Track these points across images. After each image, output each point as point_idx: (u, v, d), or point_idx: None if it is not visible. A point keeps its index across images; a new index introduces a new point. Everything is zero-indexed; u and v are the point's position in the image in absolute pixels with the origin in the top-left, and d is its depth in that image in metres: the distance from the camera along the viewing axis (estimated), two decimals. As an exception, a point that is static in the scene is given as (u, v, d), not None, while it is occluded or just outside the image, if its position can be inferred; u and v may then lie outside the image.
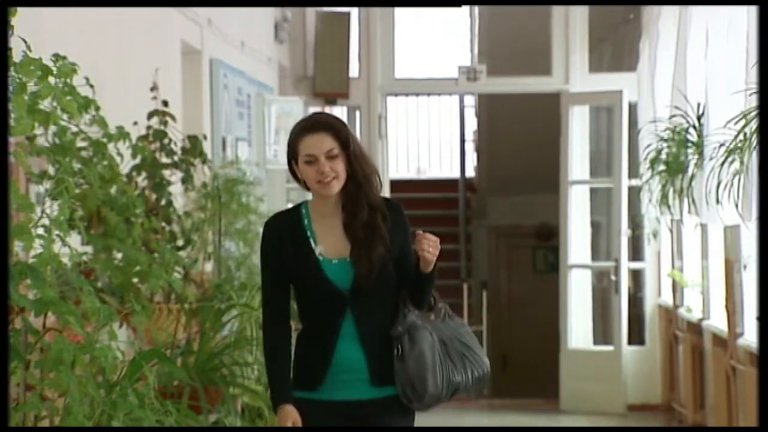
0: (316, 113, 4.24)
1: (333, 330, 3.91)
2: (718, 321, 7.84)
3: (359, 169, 3.93)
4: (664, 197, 7.95)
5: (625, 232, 10.15)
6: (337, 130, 3.91)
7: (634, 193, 9.92)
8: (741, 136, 5.73)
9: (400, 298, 4.02)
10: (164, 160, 5.88)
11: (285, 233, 3.93)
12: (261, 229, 4.13)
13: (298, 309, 4.01)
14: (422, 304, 4.09)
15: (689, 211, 7.68)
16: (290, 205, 4.31)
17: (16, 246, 3.60)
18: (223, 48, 8.25)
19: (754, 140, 5.54)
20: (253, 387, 5.19)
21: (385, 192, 10.79)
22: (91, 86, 4.02)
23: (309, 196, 4.08)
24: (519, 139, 13.66)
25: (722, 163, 6.04)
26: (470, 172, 14.96)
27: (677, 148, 7.95)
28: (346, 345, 3.91)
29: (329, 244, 3.94)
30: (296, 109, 9.50)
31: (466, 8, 14.72)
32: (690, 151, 7.82)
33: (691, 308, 8.83)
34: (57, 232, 3.57)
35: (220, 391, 4.87)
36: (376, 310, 3.95)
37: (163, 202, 5.75)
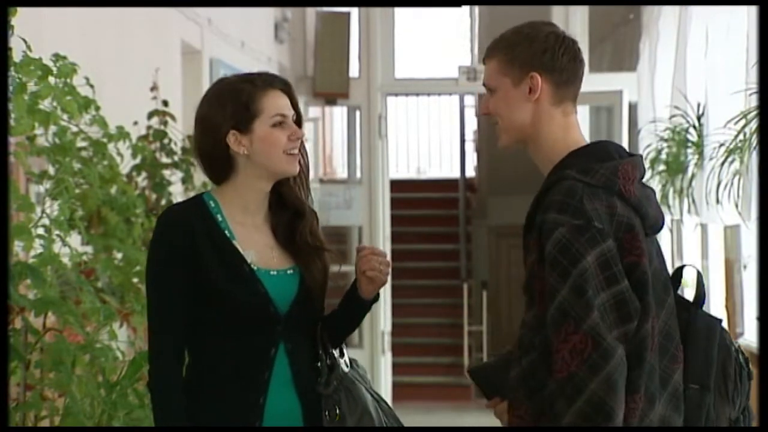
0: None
1: (263, 368, 2.85)
2: (718, 321, 7.82)
3: (304, 156, 3.01)
4: (664, 197, 7.94)
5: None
6: (293, 93, 3.00)
7: (634, 193, 9.90)
8: (741, 136, 5.73)
9: (318, 338, 2.98)
10: (164, 160, 5.88)
11: (199, 232, 2.85)
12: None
13: (195, 343, 2.88)
14: (342, 342, 3.04)
15: (689, 211, 7.68)
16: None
17: (16, 246, 3.60)
18: (223, 48, 8.25)
19: (754, 140, 5.54)
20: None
21: (386, 192, 10.80)
22: (91, 86, 4.02)
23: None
24: (519, 139, 13.63)
25: (722, 163, 6.04)
26: (470, 172, 14.95)
27: (677, 148, 7.95)
28: (278, 390, 2.87)
29: (259, 250, 2.92)
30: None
31: (466, 8, 14.73)
32: (690, 151, 7.81)
33: (691, 308, 8.82)
34: (57, 232, 3.58)
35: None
36: (306, 343, 2.95)
37: (163, 202, 5.75)
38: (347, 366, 2.98)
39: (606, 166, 2.69)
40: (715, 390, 2.74)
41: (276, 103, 2.90)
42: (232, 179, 2.93)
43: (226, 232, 2.88)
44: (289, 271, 2.92)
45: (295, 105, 2.96)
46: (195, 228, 2.84)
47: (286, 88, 2.95)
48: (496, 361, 2.93)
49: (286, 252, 2.95)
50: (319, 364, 2.94)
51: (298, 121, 2.96)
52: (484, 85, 2.83)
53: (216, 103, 2.91)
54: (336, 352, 2.98)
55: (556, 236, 2.61)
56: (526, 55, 2.76)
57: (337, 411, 2.89)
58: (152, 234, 2.90)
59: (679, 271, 2.87)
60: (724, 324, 2.86)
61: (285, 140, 2.89)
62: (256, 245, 2.91)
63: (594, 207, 2.62)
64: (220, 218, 2.89)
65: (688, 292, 2.89)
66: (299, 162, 2.96)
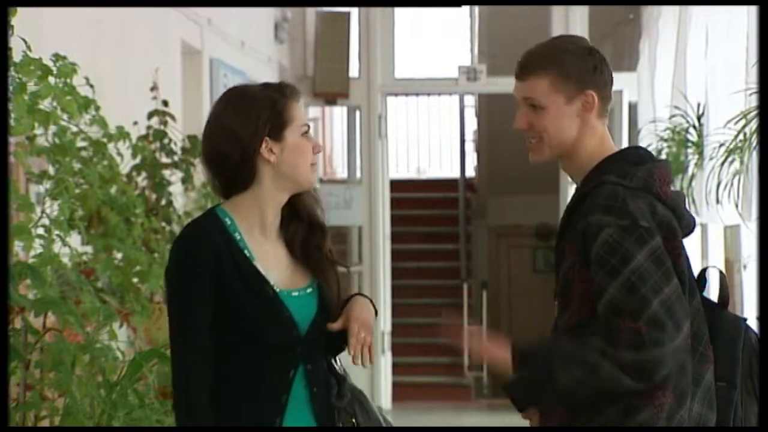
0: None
1: (281, 390, 2.77)
2: (718, 321, 7.80)
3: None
4: (664, 197, 7.95)
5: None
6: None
7: (634, 193, 9.89)
8: (741, 136, 5.73)
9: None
10: (164, 160, 5.88)
11: (221, 250, 2.75)
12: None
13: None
14: (339, 353, 2.95)
15: (689, 211, 7.68)
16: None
17: (16, 246, 3.60)
18: (223, 48, 8.25)
19: (754, 140, 5.55)
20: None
21: (386, 192, 10.79)
22: (91, 86, 4.02)
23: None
24: (519, 139, 13.57)
25: (722, 163, 6.04)
26: (470, 172, 14.95)
27: (677, 148, 7.95)
28: (295, 413, 2.78)
29: (278, 270, 2.83)
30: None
31: (466, 8, 14.72)
32: (690, 151, 7.82)
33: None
34: (57, 232, 3.57)
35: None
36: (323, 363, 2.86)
37: (163, 202, 5.76)
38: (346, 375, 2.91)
39: (642, 169, 2.78)
40: (742, 388, 2.83)
41: (302, 113, 2.86)
42: (251, 190, 2.82)
43: (246, 252, 2.77)
44: (308, 290, 2.83)
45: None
46: (218, 245, 2.74)
47: (300, 99, 2.91)
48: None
49: (302, 267, 2.86)
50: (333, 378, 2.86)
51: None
52: (524, 99, 2.89)
53: (246, 111, 2.80)
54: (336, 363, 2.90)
55: (602, 237, 2.68)
56: (579, 72, 2.83)
57: (354, 422, 2.83)
58: (172, 252, 2.77)
59: (703, 272, 2.95)
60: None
61: (310, 151, 2.83)
62: (276, 265, 2.81)
63: (638, 206, 2.70)
64: (238, 237, 2.78)
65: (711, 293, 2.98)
66: None
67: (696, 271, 2.93)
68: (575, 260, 2.75)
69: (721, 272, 2.98)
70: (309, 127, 2.86)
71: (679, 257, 2.74)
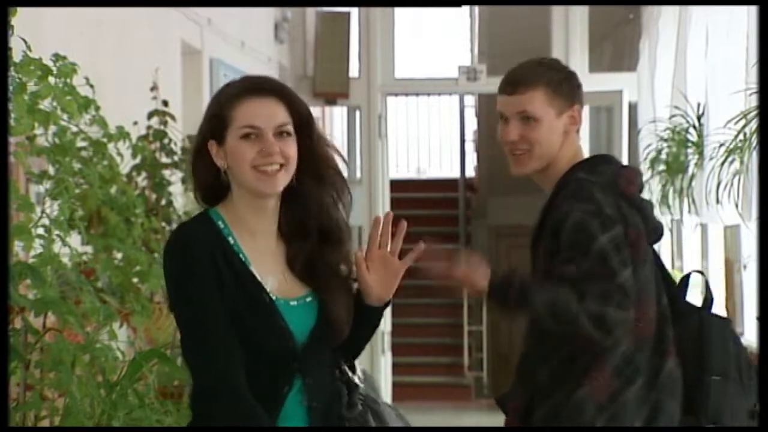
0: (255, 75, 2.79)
1: (270, 410, 2.52)
2: (718, 321, 7.80)
3: (318, 165, 2.67)
4: (664, 197, 7.94)
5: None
6: (293, 99, 2.62)
7: (634, 193, 9.88)
8: (741, 136, 5.73)
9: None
10: (164, 160, 5.88)
11: (218, 255, 2.55)
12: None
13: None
14: (357, 356, 2.77)
15: (689, 211, 7.68)
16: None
17: (16, 246, 3.60)
18: (223, 48, 8.25)
19: (754, 140, 5.55)
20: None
21: (386, 192, 10.79)
22: (91, 86, 4.02)
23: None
24: (519, 139, 13.60)
25: (722, 163, 6.04)
26: (470, 172, 14.95)
27: (677, 148, 7.95)
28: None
29: (275, 276, 2.62)
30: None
31: (466, 8, 14.72)
32: (690, 151, 7.81)
33: (691, 308, 8.81)
34: (57, 232, 3.57)
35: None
36: (326, 375, 2.64)
37: (163, 202, 5.76)
38: (361, 381, 2.71)
39: (609, 168, 3.06)
40: (733, 380, 3.08)
41: (247, 112, 2.59)
42: (229, 196, 2.65)
43: (240, 256, 2.57)
44: (308, 299, 2.63)
45: (297, 114, 2.63)
46: (213, 247, 2.54)
47: (278, 94, 2.62)
48: None
49: (303, 275, 2.66)
50: (345, 389, 2.67)
51: (301, 128, 2.63)
52: (518, 113, 3.12)
53: (208, 107, 2.71)
54: (349, 369, 2.72)
55: (570, 222, 2.92)
56: (570, 89, 3.13)
57: None
58: (169, 256, 2.57)
59: (685, 278, 3.17)
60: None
61: (254, 155, 2.56)
62: (273, 271, 2.61)
63: (605, 197, 2.95)
64: (231, 240, 2.58)
65: (694, 296, 3.12)
66: (333, 174, 2.68)
67: (675, 273, 3.13)
68: (549, 250, 2.99)
69: (703, 275, 3.26)
70: (256, 128, 2.59)
71: (638, 252, 2.97)
